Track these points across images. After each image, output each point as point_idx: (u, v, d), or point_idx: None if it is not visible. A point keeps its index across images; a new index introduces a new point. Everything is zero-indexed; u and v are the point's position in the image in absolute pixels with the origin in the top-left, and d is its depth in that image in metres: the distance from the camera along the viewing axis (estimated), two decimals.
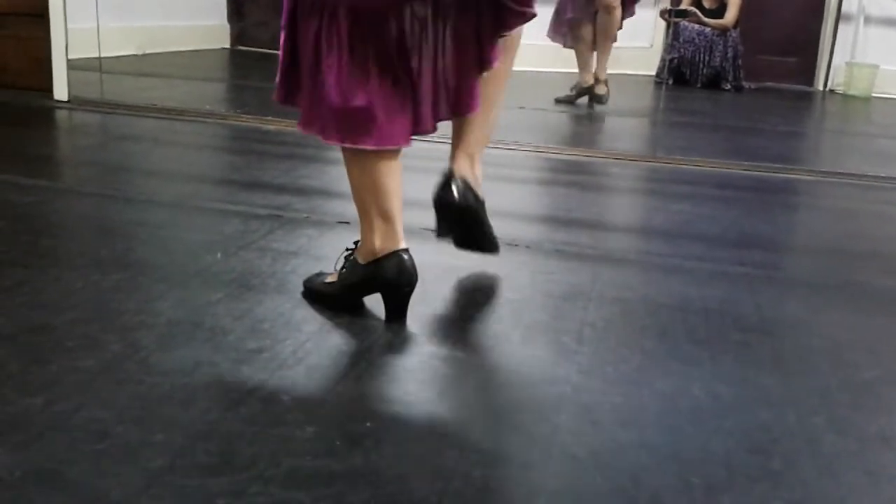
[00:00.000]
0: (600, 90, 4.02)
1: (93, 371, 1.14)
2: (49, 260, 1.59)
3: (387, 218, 1.36)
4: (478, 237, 1.60)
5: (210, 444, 0.98)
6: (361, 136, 1.30)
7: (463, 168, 1.52)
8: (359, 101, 1.28)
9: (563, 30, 4.00)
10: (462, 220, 1.55)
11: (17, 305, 1.35)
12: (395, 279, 1.36)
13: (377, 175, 1.35)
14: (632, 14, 3.99)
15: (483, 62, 1.38)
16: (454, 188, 1.51)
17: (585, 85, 4.05)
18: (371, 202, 1.36)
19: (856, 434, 1.11)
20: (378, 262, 1.37)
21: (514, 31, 1.45)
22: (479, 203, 1.56)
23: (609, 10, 3.85)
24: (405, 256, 1.37)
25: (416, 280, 1.38)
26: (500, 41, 1.41)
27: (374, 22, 1.26)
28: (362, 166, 1.35)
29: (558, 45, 4.05)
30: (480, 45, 1.37)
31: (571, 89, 4.10)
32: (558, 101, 4.06)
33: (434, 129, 1.38)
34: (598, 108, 4.04)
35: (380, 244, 1.36)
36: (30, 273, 1.50)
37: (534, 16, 1.40)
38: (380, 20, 1.26)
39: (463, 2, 1.33)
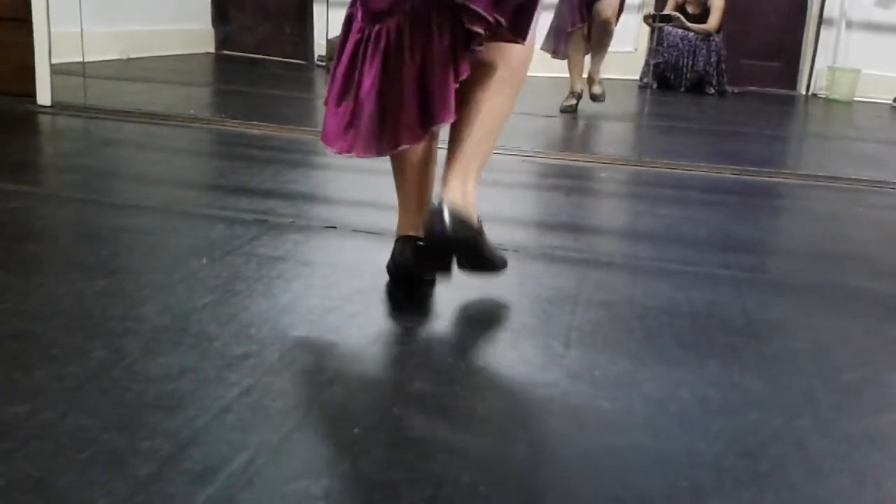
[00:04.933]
0: (596, 90, 4.15)
1: (78, 378, 1.13)
2: (33, 266, 1.57)
3: (401, 206, 1.56)
4: (478, 263, 1.48)
5: (197, 451, 0.97)
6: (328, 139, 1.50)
7: (454, 196, 1.41)
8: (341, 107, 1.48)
9: (560, 42, 4.09)
10: (457, 252, 1.42)
11: (0, 312, 1.34)
12: (391, 262, 1.54)
13: (393, 169, 1.56)
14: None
15: (456, 72, 1.41)
16: (444, 222, 1.37)
17: (578, 90, 4.14)
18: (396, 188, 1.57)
19: (842, 435, 1.11)
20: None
21: (513, 60, 1.46)
22: (474, 230, 1.42)
23: (607, 24, 4.01)
24: (408, 244, 1.52)
25: (410, 267, 1.51)
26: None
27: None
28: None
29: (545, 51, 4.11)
30: (454, 54, 1.40)
31: (568, 99, 4.17)
32: (563, 111, 4.14)
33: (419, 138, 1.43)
34: (578, 112, 4.14)
35: (397, 228, 1.57)
36: (13, 279, 1.48)
37: (488, 22, 1.37)
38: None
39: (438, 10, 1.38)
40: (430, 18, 1.39)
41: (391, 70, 1.41)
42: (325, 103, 1.51)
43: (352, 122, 1.45)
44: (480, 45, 1.42)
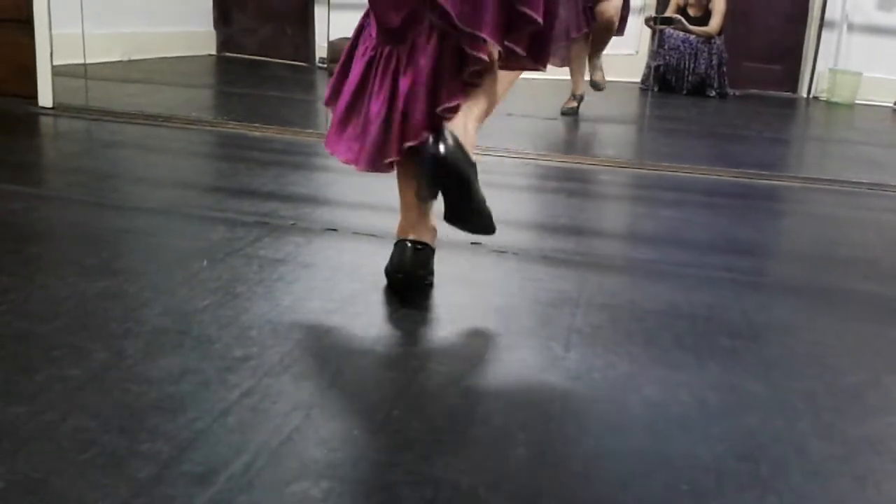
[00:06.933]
0: (598, 76, 4.12)
1: (79, 380, 1.13)
2: (34, 267, 1.57)
3: (404, 207, 1.55)
4: (466, 206, 1.42)
5: (197, 453, 0.97)
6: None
7: (455, 124, 1.40)
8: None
9: (562, 51, 4.08)
10: (448, 178, 1.37)
11: (1, 314, 1.34)
12: (389, 265, 1.53)
13: (397, 170, 1.52)
14: (621, 34, 4.13)
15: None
16: (441, 142, 1.35)
17: (579, 93, 4.14)
18: (399, 190, 1.55)
19: (842, 439, 1.11)
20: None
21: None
22: (469, 163, 1.38)
23: (609, 24, 4.00)
24: (407, 245, 1.52)
25: (409, 270, 1.51)
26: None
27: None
28: None
29: None
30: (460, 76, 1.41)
31: (569, 102, 4.16)
32: (564, 113, 4.13)
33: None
34: (579, 114, 4.15)
35: (397, 230, 1.56)
36: (15, 281, 1.49)
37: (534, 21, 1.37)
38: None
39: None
40: (442, 39, 1.40)
41: (399, 90, 1.42)
42: (327, 104, 1.52)
43: (359, 139, 1.48)
44: (480, 73, 1.42)
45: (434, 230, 1.56)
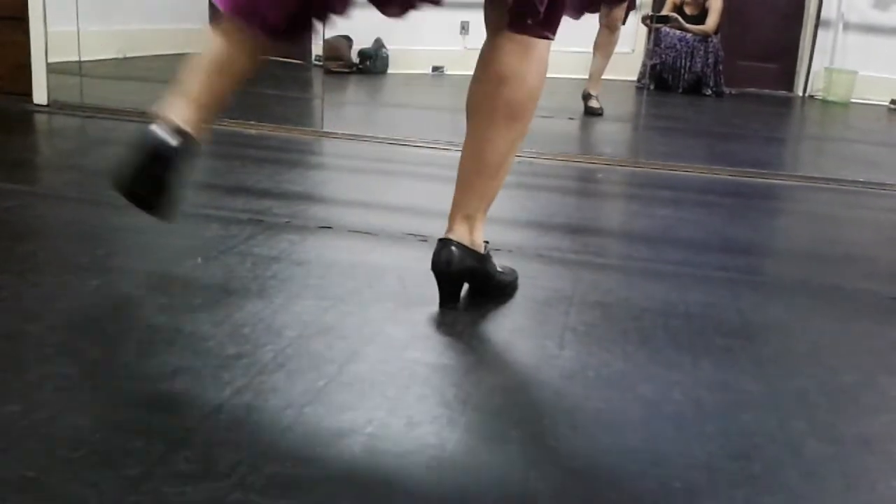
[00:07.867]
0: (594, 103, 4.15)
1: (72, 378, 1.13)
2: (28, 265, 1.57)
3: (183, 91, 1.53)
4: (486, 291, 1.52)
5: (190, 450, 0.97)
6: None
7: (459, 233, 1.45)
8: None
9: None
10: (461, 282, 1.48)
11: None
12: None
13: (203, 54, 1.49)
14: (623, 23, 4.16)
15: None
16: (446, 255, 1.44)
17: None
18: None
19: (836, 438, 1.11)
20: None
21: (530, 79, 1.42)
22: (478, 260, 1.47)
23: (613, 29, 3.98)
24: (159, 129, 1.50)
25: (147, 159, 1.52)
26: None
27: None
28: None
29: None
30: None
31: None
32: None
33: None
34: (575, 113, 4.15)
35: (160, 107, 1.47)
36: (8, 279, 1.48)
37: None
38: None
39: None
40: None
41: None
42: None
43: None
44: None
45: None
